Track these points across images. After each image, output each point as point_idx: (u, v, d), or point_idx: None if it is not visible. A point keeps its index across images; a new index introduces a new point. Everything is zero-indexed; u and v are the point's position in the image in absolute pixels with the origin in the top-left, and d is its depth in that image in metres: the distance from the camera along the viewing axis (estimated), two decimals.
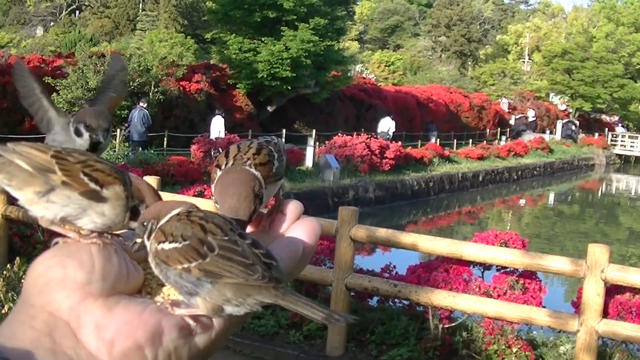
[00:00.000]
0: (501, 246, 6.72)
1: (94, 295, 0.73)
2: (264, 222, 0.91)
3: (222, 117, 22.82)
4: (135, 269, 0.79)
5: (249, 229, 0.89)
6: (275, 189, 0.92)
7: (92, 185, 0.80)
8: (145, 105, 20.39)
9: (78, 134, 1.26)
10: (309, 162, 21.72)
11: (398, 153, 22.91)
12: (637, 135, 54.69)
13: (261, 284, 0.72)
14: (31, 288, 0.73)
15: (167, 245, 0.74)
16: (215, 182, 0.88)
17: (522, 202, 30.51)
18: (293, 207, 0.91)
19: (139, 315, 0.73)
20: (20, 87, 1.37)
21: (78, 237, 0.78)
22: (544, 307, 6.45)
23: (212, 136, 21.63)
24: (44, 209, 0.80)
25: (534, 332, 6.93)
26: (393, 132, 29.48)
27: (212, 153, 17.97)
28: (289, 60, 28.14)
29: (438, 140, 33.22)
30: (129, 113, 20.51)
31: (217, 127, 22.75)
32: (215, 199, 0.87)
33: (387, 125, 29.31)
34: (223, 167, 0.89)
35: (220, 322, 0.77)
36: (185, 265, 0.73)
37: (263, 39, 28.81)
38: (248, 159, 0.89)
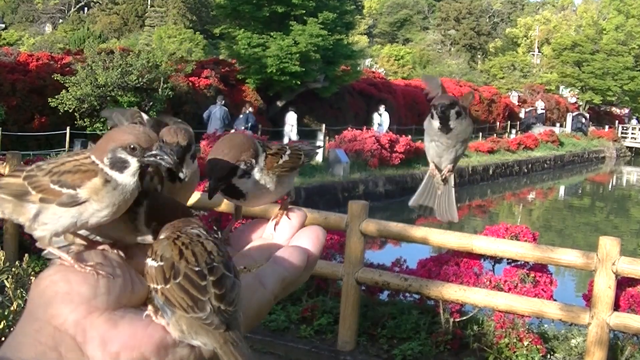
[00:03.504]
0: (512, 239, 6.71)
1: (99, 309, 0.73)
2: (268, 229, 0.92)
3: (295, 112, 25.04)
4: (139, 281, 0.79)
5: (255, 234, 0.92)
6: (287, 181, 0.95)
7: (65, 191, 0.77)
8: (223, 103, 21.58)
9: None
10: (318, 157, 21.66)
11: (408, 147, 22.83)
12: None
13: (204, 324, 0.70)
14: (36, 302, 0.74)
15: (149, 262, 0.75)
16: None
17: (533, 195, 30.40)
18: (297, 215, 0.93)
19: (145, 329, 0.73)
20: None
21: (73, 262, 0.76)
22: (555, 300, 6.43)
23: (286, 130, 24.52)
24: (42, 231, 0.79)
25: (545, 326, 6.92)
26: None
27: None
28: (298, 55, 28.10)
29: None
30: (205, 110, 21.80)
31: (291, 122, 24.77)
32: None
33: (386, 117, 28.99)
34: None
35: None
36: (153, 286, 0.73)
37: (272, 33, 28.79)
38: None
